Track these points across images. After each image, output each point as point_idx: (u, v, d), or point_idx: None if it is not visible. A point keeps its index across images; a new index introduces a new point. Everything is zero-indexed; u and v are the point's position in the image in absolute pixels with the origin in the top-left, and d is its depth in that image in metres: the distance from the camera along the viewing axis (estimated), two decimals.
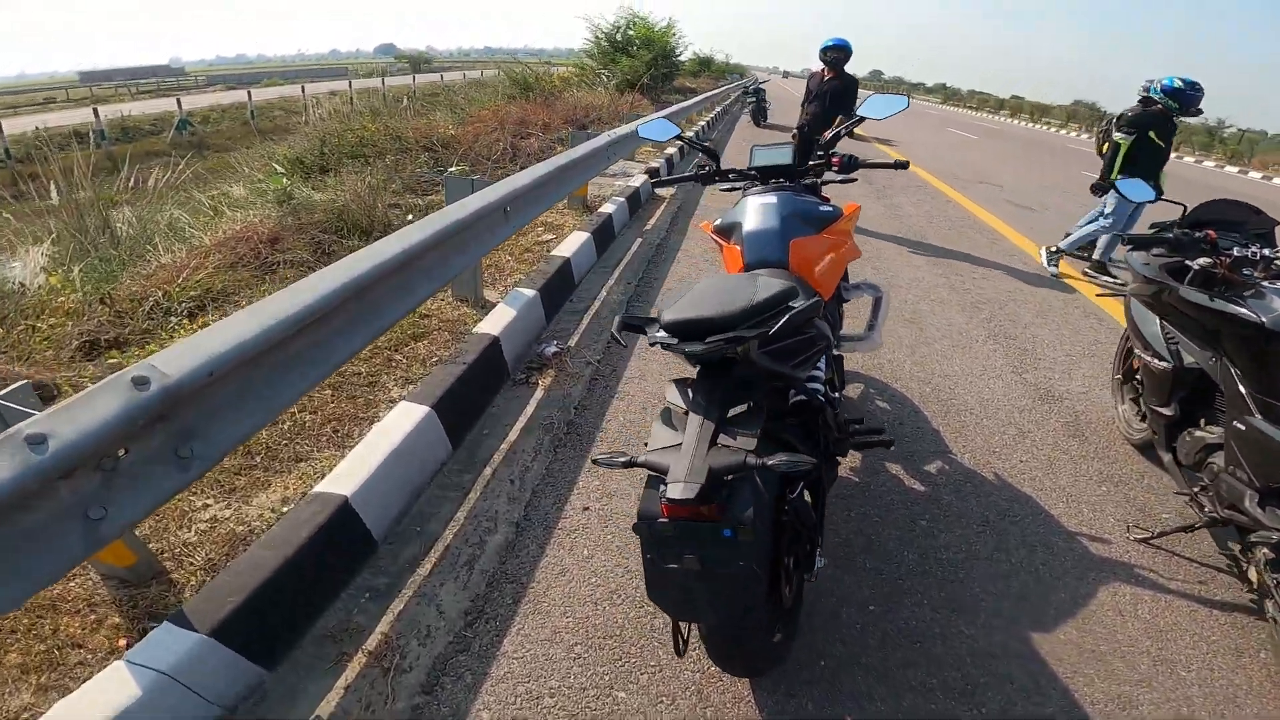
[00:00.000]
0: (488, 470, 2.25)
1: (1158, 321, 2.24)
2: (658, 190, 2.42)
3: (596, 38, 18.92)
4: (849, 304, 2.45)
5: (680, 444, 1.21)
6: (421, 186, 7.86)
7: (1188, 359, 2.10)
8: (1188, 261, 2.13)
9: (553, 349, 3.06)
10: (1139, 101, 5.20)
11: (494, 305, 3.36)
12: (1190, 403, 2.13)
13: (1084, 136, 32.75)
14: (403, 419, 2.12)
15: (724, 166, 2.27)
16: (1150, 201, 2.50)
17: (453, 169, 7.42)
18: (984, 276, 4.76)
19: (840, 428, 1.77)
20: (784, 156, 2.17)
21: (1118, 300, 4.29)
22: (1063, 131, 36.43)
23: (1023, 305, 4.25)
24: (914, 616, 1.80)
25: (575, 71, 17.84)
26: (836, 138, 2.15)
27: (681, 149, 9.53)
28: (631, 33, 18.98)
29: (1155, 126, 4.52)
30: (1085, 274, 5.04)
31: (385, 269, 2.09)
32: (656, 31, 19.26)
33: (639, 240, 4.81)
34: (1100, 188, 4.78)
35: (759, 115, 14.82)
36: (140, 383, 1.24)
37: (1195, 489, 2.01)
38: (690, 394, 1.33)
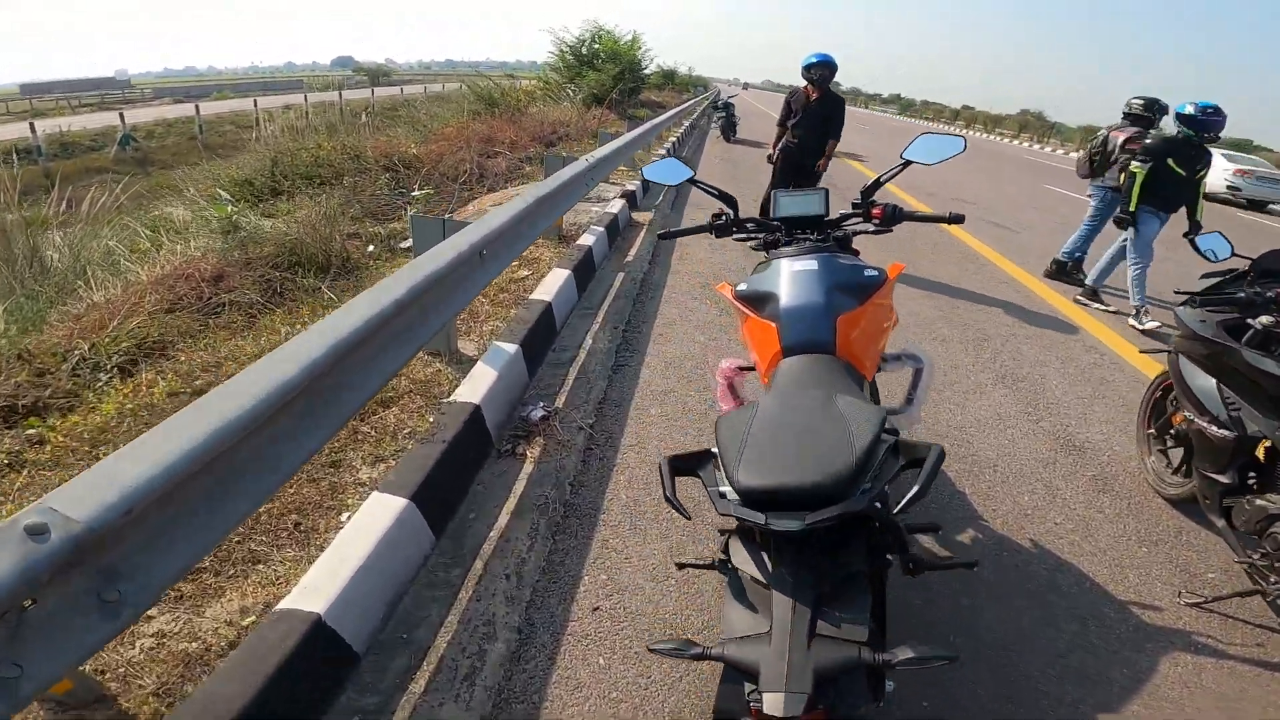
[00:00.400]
0: (478, 563, 1.95)
1: (1214, 383, 2.07)
2: (663, 240, 2.13)
3: (561, 51, 18.69)
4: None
5: (768, 632, 0.96)
6: (383, 211, 7.43)
7: (1251, 427, 1.95)
8: (1249, 320, 1.97)
9: (539, 412, 2.73)
10: (1124, 117, 5.15)
11: (470, 361, 3.02)
12: (1249, 469, 1.99)
13: (1037, 147, 33.84)
14: (378, 515, 1.80)
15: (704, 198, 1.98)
16: (1225, 258, 2.31)
17: (416, 193, 7.03)
18: (980, 309, 4.60)
19: (895, 531, 1.49)
20: (814, 206, 1.89)
21: (1127, 340, 4.20)
22: (1016, 142, 37.69)
23: (1025, 341, 4.08)
24: (971, 707, 1.64)
25: (540, 85, 17.55)
26: (877, 185, 1.88)
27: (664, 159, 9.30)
28: (597, 46, 18.80)
29: (1174, 154, 4.30)
30: (1077, 300, 4.94)
31: (345, 346, 1.74)
32: (622, 45, 19.12)
33: (620, 275, 4.51)
34: (1124, 221, 4.51)
35: (729, 130, 14.72)
36: (37, 532, 0.97)
37: (1255, 555, 1.92)
38: (770, 564, 1.05)
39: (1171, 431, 2.51)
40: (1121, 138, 4.96)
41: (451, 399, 2.50)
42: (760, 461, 1.06)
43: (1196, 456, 2.15)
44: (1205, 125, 4.20)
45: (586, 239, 4.58)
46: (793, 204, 1.91)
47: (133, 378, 2.87)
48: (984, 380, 3.49)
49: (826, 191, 1.94)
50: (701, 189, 1.98)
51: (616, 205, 5.81)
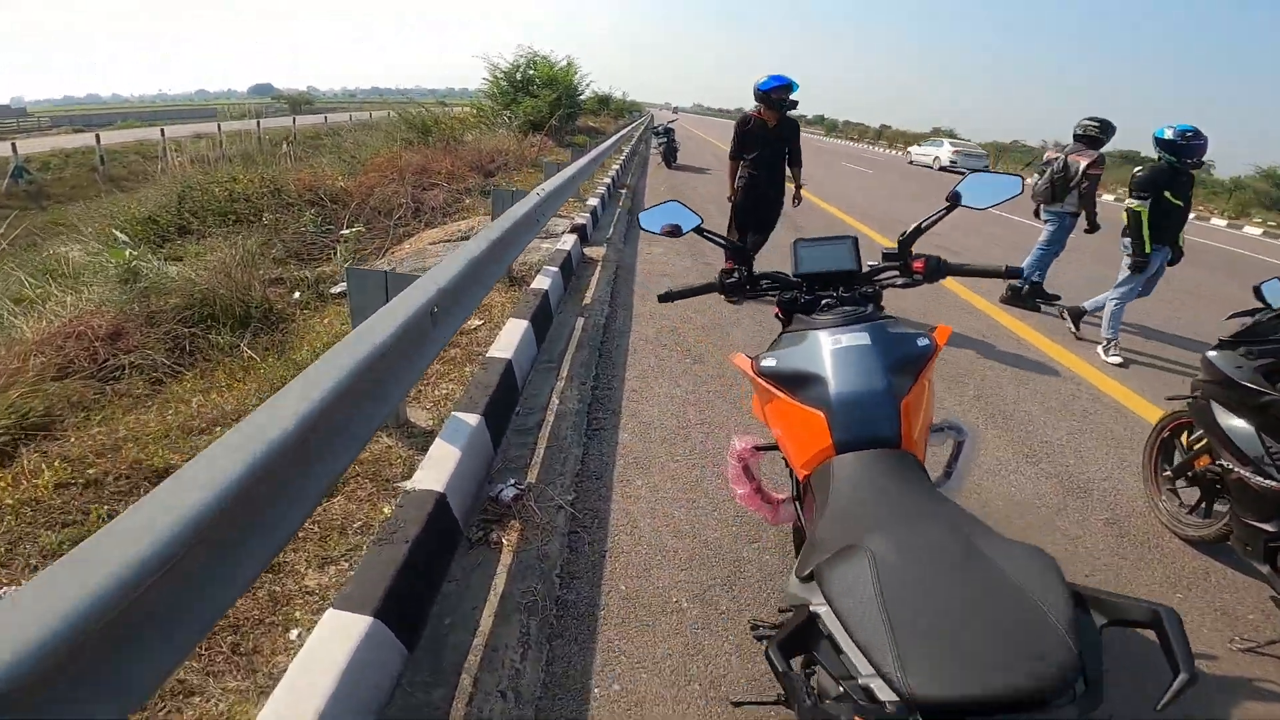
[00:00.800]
0: (465, 679, 1.60)
1: (1253, 430, 1.94)
2: (663, 301, 1.87)
3: (495, 78, 18.37)
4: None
5: None
6: (309, 251, 6.83)
7: None
8: None
9: (511, 491, 2.36)
10: (1076, 139, 5.14)
11: (424, 434, 2.64)
12: None
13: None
14: (337, 640, 1.46)
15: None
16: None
17: (347, 230, 6.50)
18: (950, 342, 4.50)
19: None
20: (842, 259, 1.63)
21: (1098, 370, 4.14)
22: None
23: (1001, 374, 3.98)
24: None
25: (475, 113, 17.15)
26: (918, 232, 1.63)
27: (610, 191, 9.02)
28: (532, 72, 18.60)
29: (1169, 185, 4.12)
30: (1069, 327, 4.86)
31: (272, 456, 1.33)
32: (558, 71, 19.00)
33: (581, 320, 4.17)
34: (1140, 265, 4.23)
35: (670, 156, 14.70)
36: None
37: None
38: None
39: (1190, 474, 2.40)
40: (1084, 163, 4.99)
41: (410, 487, 2.10)
42: (933, 658, 0.75)
43: (1237, 505, 2.03)
44: (1188, 151, 4.04)
45: (541, 282, 4.23)
46: (818, 257, 1.64)
47: (12, 465, 2.37)
48: (974, 421, 3.34)
49: (855, 240, 1.68)
50: (709, 239, 1.69)
51: (568, 241, 5.49)
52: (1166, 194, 4.11)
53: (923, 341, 1.44)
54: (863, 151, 37.44)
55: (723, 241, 1.70)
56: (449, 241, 5.98)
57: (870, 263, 1.70)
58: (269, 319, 4.41)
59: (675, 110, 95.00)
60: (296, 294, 4.91)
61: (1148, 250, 4.15)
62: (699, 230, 1.68)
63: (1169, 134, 4.06)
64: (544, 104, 17.11)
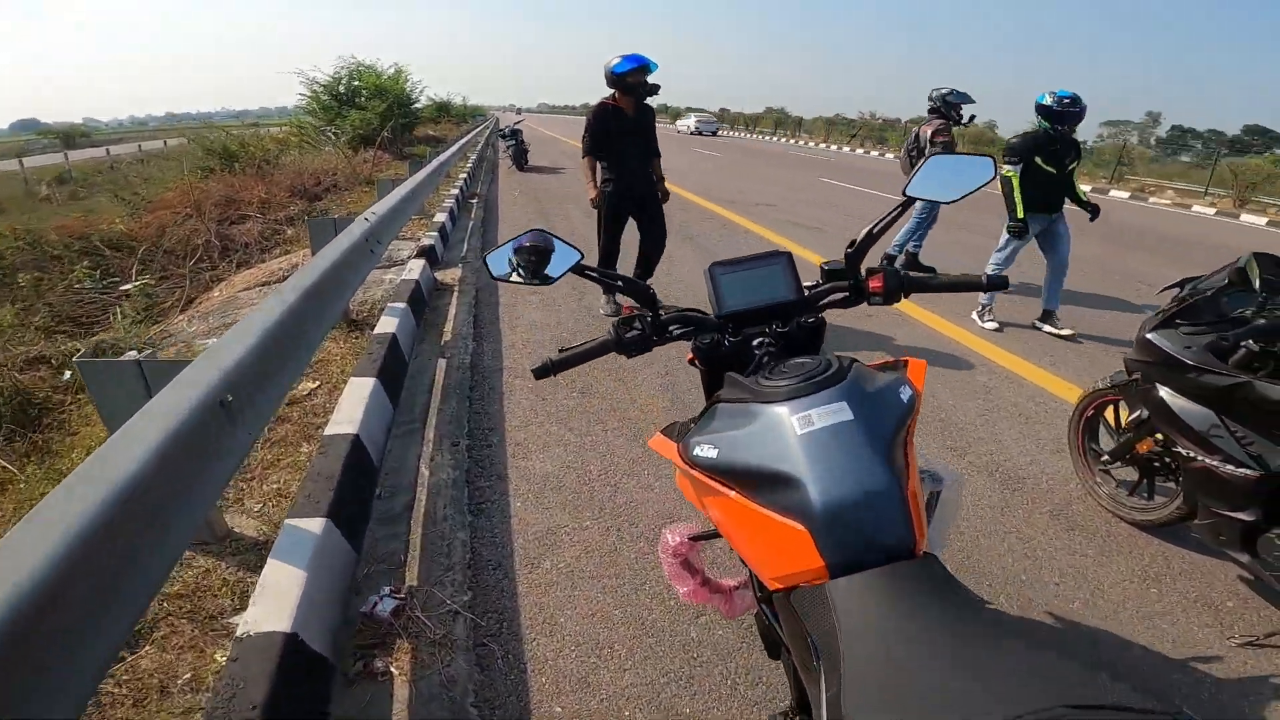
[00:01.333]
0: None
1: (1212, 415, 1.77)
2: (539, 378, 1.41)
3: (315, 93, 16.62)
4: None
5: None
6: (86, 311, 5.54)
7: (1276, 462, 1.68)
8: (1243, 343, 1.70)
9: (390, 602, 1.78)
10: (930, 112, 5.18)
11: (254, 545, 2.02)
12: (1275, 500, 1.74)
13: (790, 142, 37.73)
14: None
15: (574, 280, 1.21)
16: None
17: (131, 285, 5.28)
18: (843, 327, 4.33)
19: None
20: (778, 286, 1.21)
21: (986, 340, 4.07)
22: (773, 138, 41.70)
23: (895, 355, 3.84)
24: None
25: (294, 132, 15.37)
26: (870, 239, 1.22)
27: (459, 202, 8.19)
28: (358, 83, 17.03)
29: (1040, 151, 4.08)
30: (1035, 325, 4.47)
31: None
32: (387, 79, 17.55)
33: (441, 362, 3.51)
34: (1017, 229, 4.20)
35: (520, 159, 13.95)
36: None
37: None
38: None
39: (1130, 456, 2.26)
40: (929, 131, 5.03)
41: (246, 629, 1.47)
42: None
43: (1204, 495, 1.87)
44: (1061, 117, 3.98)
45: (387, 324, 3.51)
46: (746, 287, 1.20)
47: None
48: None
49: (788, 257, 1.25)
50: (594, 279, 1.20)
51: (416, 267, 4.73)
52: (1038, 160, 4.08)
53: (905, 393, 1.03)
54: (704, 136, 38.63)
55: (617, 283, 1.20)
56: (268, 284, 4.99)
57: (808, 282, 1.28)
58: (27, 413, 3.43)
59: (519, 111, 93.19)
60: (67, 374, 3.82)
61: (1019, 215, 4.11)
62: (579, 270, 1.17)
63: (1048, 99, 4.02)
64: (374, 115, 15.70)
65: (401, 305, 3.81)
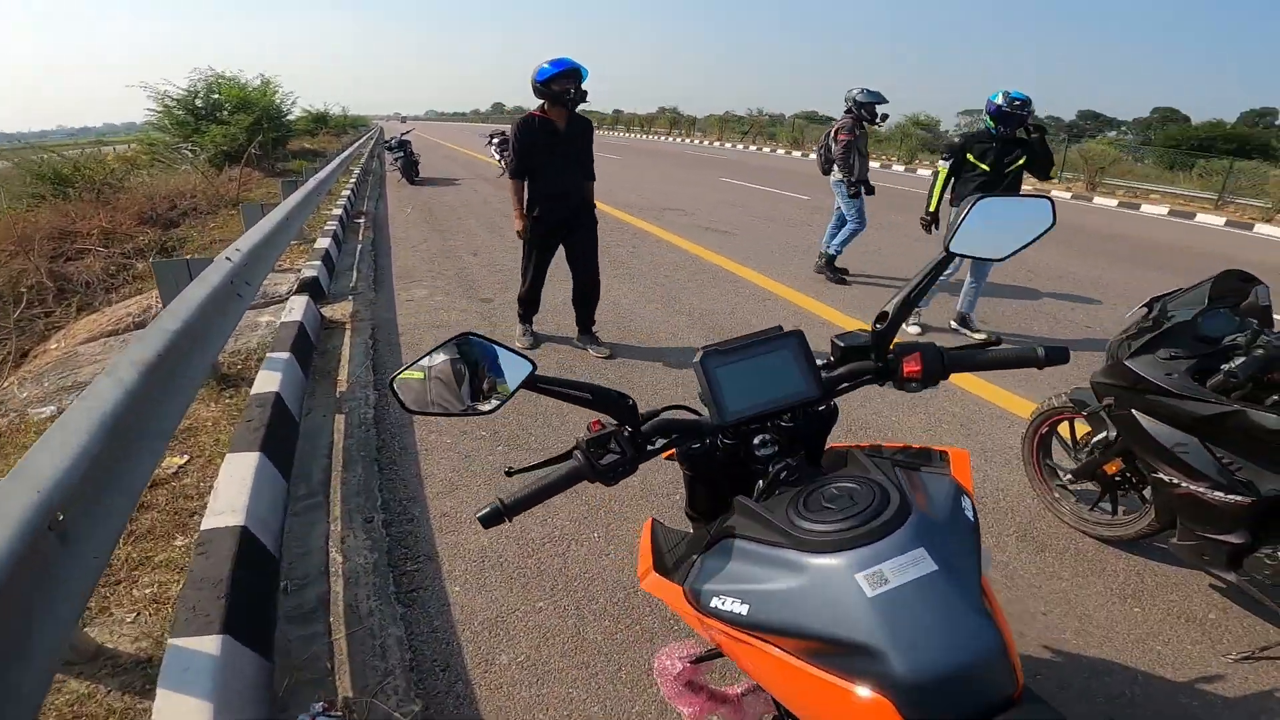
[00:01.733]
0: None
1: (1195, 442, 1.72)
2: (508, 517, 1.08)
3: (167, 107, 14.91)
4: None
5: None
6: None
7: (1266, 487, 1.63)
8: (1223, 367, 1.67)
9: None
10: (845, 112, 5.19)
11: (134, 665, 1.74)
12: (1263, 521, 1.70)
13: (686, 141, 38.36)
14: None
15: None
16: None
17: None
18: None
19: None
20: (792, 377, 0.97)
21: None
22: (668, 139, 42.16)
23: None
24: None
25: (144, 150, 13.70)
26: (907, 307, 1.01)
27: (343, 223, 7.47)
28: (216, 96, 15.44)
29: (972, 148, 4.09)
30: (952, 325, 4.41)
31: None
32: (253, 91, 16.05)
33: (340, 419, 3.02)
34: (927, 222, 4.34)
35: (410, 171, 13.06)
36: None
37: None
38: None
39: (1096, 475, 2.20)
40: (834, 130, 5.04)
41: None
42: None
43: (1187, 519, 1.83)
44: (1003, 119, 3.95)
45: (267, 380, 2.97)
46: (752, 385, 0.97)
47: None
48: (838, 437, 2.98)
49: (800, 337, 1.01)
50: (554, 394, 0.90)
51: (298, 306, 4.14)
52: (969, 156, 4.11)
53: (969, 508, 0.84)
54: (603, 137, 38.53)
55: (585, 395, 0.90)
56: (116, 335, 4.22)
57: (820, 360, 1.05)
58: None
59: (406, 119, 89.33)
60: None
61: (931, 208, 4.25)
62: (532, 385, 0.86)
63: (1000, 99, 3.99)
64: (239, 130, 14.26)
65: (284, 355, 3.27)
